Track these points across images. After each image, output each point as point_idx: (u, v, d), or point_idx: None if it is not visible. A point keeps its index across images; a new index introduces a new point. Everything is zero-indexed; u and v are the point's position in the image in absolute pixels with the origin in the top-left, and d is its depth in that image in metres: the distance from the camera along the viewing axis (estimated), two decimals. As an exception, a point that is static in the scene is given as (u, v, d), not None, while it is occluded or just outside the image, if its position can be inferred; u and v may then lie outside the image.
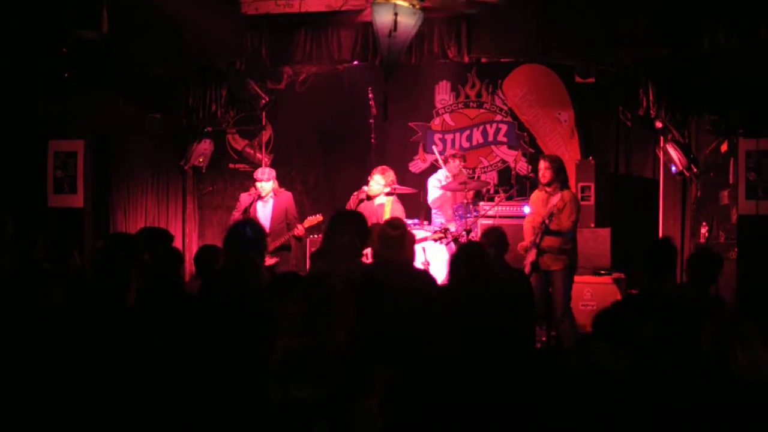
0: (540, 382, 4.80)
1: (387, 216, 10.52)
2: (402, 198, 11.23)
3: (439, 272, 10.61)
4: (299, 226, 10.74)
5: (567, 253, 9.51)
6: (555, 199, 9.38)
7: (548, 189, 9.65)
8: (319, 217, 10.95)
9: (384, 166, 11.01)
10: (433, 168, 12.43)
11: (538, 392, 4.58)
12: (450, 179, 11.43)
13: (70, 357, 4.44)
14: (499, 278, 6.85)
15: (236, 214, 11.07)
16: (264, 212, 10.90)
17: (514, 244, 9.48)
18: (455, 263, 6.28)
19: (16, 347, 4.69)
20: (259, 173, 11.03)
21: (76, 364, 4.41)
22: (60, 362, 4.44)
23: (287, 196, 11.16)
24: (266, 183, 10.89)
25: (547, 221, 9.36)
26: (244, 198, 11.10)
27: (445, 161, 11.72)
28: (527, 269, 9.38)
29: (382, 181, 10.86)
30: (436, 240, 10.75)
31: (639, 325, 4.51)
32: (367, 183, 11.02)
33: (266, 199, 10.95)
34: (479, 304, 5.38)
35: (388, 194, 10.96)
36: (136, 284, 5.47)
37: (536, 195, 9.92)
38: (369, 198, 10.95)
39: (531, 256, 9.47)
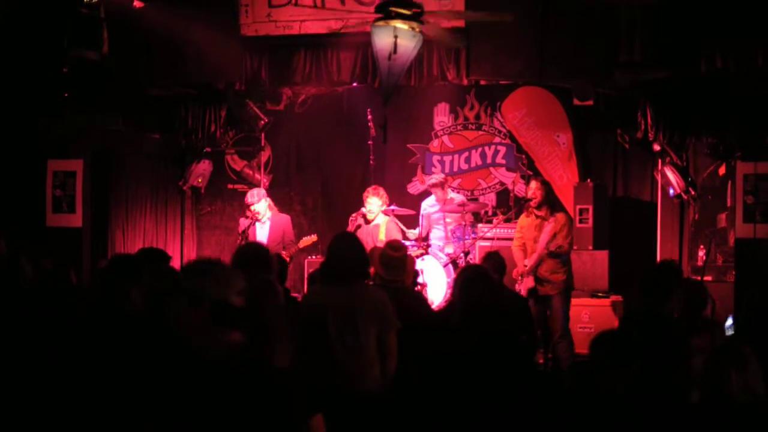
0: (539, 403, 4.81)
1: (382, 236, 10.57)
2: (401, 219, 11.25)
3: (436, 294, 10.64)
4: (286, 252, 10.72)
5: (563, 277, 9.56)
6: (551, 224, 9.46)
7: (538, 212, 9.74)
8: (313, 237, 10.99)
9: (375, 186, 11.05)
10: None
11: (537, 414, 4.58)
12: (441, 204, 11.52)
13: (71, 374, 4.43)
14: (501, 302, 6.86)
15: (237, 237, 11.14)
16: (261, 234, 10.92)
17: (511, 266, 9.52)
18: (463, 286, 6.26)
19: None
20: (248, 197, 11.03)
21: (76, 381, 4.39)
22: (60, 380, 4.43)
23: (285, 219, 11.18)
24: (258, 205, 10.90)
25: (550, 247, 9.42)
26: (243, 222, 11.15)
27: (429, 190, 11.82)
28: (524, 294, 9.42)
29: (380, 202, 10.90)
30: (418, 256, 10.81)
31: (637, 347, 4.51)
32: (362, 206, 11.06)
33: (263, 221, 10.97)
34: (482, 327, 5.37)
35: (384, 213, 11.01)
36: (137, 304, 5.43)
37: (525, 220, 9.98)
38: (368, 222, 10.98)
39: (528, 282, 9.52)
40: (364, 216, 11.06)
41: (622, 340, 4.64)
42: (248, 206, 10.97)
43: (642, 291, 6.09)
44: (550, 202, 9.94)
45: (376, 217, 10.94)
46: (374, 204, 10.88)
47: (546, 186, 10.02)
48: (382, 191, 10.97)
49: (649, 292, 6.03)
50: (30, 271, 6.68)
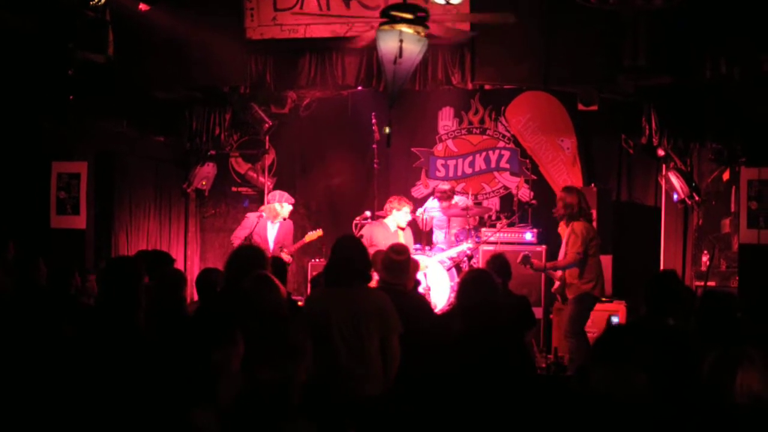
0: (540, 408, 4.81)
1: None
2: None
3: (439, 298, 10.65)
4: (286, 250, 11.04)
5: (578, 282, 9.49)
6: (566, 234, 9.48)
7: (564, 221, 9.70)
8: (319, 232, 11.23)
9: (400, 197, 11.10)
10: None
11: (538, 418, 4.58)
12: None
13: (75, 380, 4.45)
14: (502, 306, 6.85)
15: (241, 232, 11.25)
16: (272, 233, 11.27)
17: (516, 270, 9.53)
18: (466, 289, 6.27)
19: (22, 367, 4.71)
20: (288, 198, 11.30)
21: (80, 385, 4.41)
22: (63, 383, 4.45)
23: (289, 224, 11.48)
24: (285, 209, 11.26)
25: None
26: (252, 218, 11.30)
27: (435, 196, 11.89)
28: (559, 298, 9.60)
29: (409, 209, 11.00)
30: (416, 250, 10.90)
31: (638, 350, 4.50)
32: (374, 211, 11.19)
33: (275, 222, 11.22)
34: (484, 331, 5.37)
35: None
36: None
37: (562, 227, 9.89)
38: (374, 220, 11.13)
39: (555, 285, 9.63)
40: (369, 218, 11.20)
41: (622, 342, 4.63)
42: (282, 203, 11.21)
43: (645, 301, 6.00)
44: (574, 212, 9.56)
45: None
46: (406, 213, 10.95)
47: (567, 195, 9.68)
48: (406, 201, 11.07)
49: (651, 302, 5.93)
50: (42, 274, 6.72)
